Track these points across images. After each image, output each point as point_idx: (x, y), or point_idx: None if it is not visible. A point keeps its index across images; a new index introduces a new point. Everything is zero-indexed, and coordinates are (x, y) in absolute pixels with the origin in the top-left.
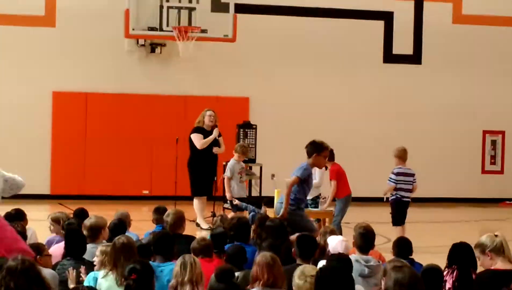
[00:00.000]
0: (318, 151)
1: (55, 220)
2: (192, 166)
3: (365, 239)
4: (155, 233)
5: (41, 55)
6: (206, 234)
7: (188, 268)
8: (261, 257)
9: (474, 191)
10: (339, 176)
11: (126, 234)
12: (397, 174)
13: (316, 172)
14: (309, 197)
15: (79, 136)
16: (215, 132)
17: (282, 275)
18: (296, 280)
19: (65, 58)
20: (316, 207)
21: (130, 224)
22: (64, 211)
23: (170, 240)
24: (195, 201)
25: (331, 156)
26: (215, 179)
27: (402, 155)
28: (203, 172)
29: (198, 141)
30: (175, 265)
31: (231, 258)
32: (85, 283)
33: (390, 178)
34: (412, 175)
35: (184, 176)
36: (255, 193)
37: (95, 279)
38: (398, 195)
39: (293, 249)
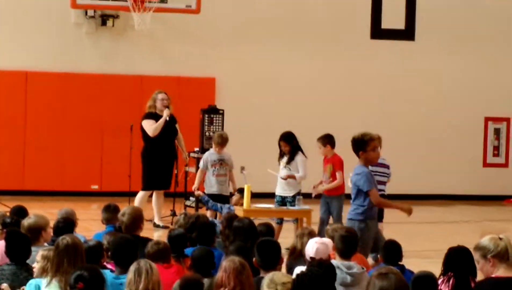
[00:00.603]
0: (362, 148)
1: None
2: (147, 157)
3: (347, 243)
4: (114, 238)
5: None
6: (162, 235)
7: (143, 275)
8: (228, 261)
9: (475, 187)
10: (342, 169)
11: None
12: None
13: (298, 162)
14: (289, 194)
15: (18, 122)
16: (166, 113)
17: (251, 284)
18: (265, 289)
19: (1, 30)
20: (294, 205)
21: (77, 224)
22: (0, 209)
23: (132, 246)
24: (142, 194)
25: (332, 142)
26: (177, 172)
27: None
28: (159, 164)
29: (150, 127)
30: (128, 272)
31: (197, 263)
32: None
33: None
34: (387, 166)
35: (139, 169)
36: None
37: (38, 287)
38: None
39: (254, 259)
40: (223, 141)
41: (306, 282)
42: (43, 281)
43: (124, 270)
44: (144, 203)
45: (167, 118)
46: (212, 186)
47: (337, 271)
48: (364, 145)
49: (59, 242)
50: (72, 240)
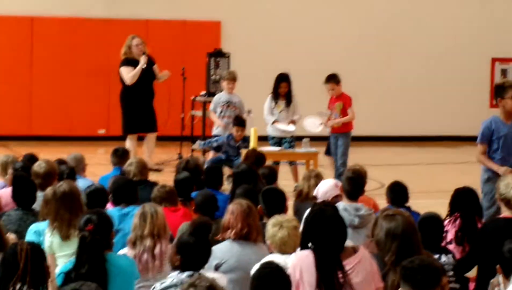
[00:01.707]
0: (500, 94)
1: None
2: (125, 102)
3: (354, 184)
4: (112, 179)
5: None
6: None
7: (148, 219)
8: (236, 204)
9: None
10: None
11: (79, 179)
12: None
13: (296, 105)
14: (287, 135)
15: (24, 68)
16: (143, 60)
17: (258, 227)
18: (270, 229)
19: None
20: (292, 146)
21: (85, 169)
22: (10, 153)
23: (131, 186)
24: (128, 141)
25: (337, 79)
26: (183, 116)
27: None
28: (138, 107)
29: (127, 75)
30: (134, 216)
31: (201, 206)
32: (27, 237)
33: None
34: None
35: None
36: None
37: (38, 233)
38: None
39: (259, 206)
40: (232, 76)
41: (317, 219)
42: (46, 229)
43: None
44: (134, 148)
45: (145, 65)
46: (216, 127)
47: (345, 213)
48: (502, 91)
49: (56, 189)
50: (69, 187)
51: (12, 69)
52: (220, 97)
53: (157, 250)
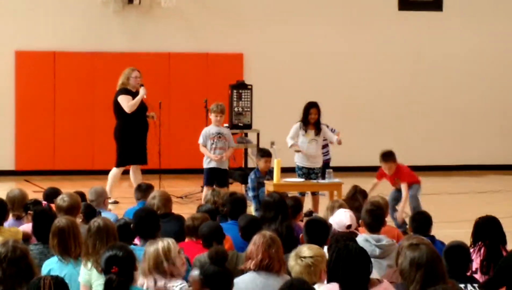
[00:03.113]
0: None
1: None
2: (121, 133)
3: (374, 217)
4: (136, 212)
5: (1, 8)
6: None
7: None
8: (259, 235)
9: (505, 157)
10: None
11: (102, 213)
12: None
13: (326, 133)
14: (316, 166)
15: (47, 102)
16: (143, 91)
17: (281, 258)
18: (291, 261)
19: (29, 11)
20: (319, 177)
21: (106, 202)
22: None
23: (154, 219)
24: (115, 171)
25: (394, 158)
26: None
27: None
28: (133, 139)
29: (127, 103)
30: (147, 248)
31: (207, 237)
32: (44, 271)
33: None
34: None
35: (170, 146)
36: (252, 164)
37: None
38: None
39: (300, 235)
40: (220, 109)
41: (343, 255)
42: (53, 262)
43: (146, 241)
44: (117, 180)
45: (145, 96)
46: (210, 161)
47: (366, 244)
48: None
49: (91, 225)
50: (104, 222)
51: (35, 103)
52: (210, 129)
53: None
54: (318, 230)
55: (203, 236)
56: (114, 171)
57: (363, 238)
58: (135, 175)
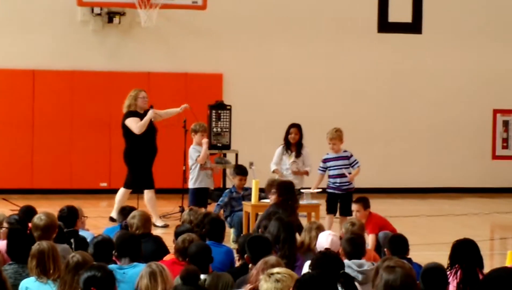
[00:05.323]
0: None
1: None
2: (131, 156)
3: (355, 246)
4: (118, 234)
5: None
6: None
7: (159, 278)
8: (262, 261)
9: (484, 180)
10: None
11: (81, 233)
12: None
13: (306, 156)
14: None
15: (26, 121)
16: (151, 113)
17: None
18: (261, 281)
19: (8, 30)
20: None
21: (84, 222)
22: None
23: (135, 241)
24: (123, 191)
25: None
26: (185, 169)
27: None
28: (144, 162)
29: (135, 124)
30: (141, 277)
31: (193, 257)
32: None
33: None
34: (347, 157)
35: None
36: (230, 184)
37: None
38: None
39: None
40: (204, 128)
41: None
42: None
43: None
44: (125, 200)
45: (152, 119)
46: (201, 180)
47: (348, 270)
48: None
49: (69, 259)
50: (82, 258)
51: (13, 121)
52: (195, 149)
53: None
54: (260, 247)
55: (190, 255)
56: (122, 191)
57: (346, 264)
58: (151, 199)
